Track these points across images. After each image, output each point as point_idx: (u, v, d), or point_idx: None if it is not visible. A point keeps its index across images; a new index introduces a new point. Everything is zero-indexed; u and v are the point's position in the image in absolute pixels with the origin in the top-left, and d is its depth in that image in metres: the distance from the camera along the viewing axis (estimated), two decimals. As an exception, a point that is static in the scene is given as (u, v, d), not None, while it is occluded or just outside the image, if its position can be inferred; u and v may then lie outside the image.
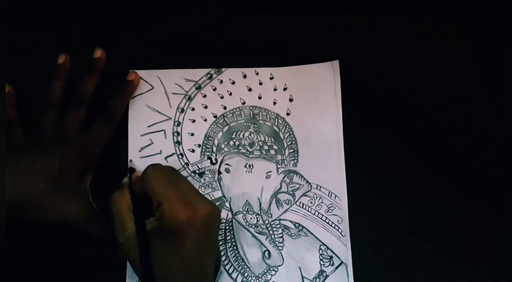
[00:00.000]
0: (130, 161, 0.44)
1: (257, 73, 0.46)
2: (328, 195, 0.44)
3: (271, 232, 0.43)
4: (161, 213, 0.35)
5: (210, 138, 0.45)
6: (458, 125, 0.45)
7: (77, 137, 0.41)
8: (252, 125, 0.45)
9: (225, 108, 0.46)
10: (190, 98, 0.46)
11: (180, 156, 0.44)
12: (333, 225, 0.43)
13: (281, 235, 0.43)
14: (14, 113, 0.43)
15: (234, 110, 0.46)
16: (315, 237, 0.43)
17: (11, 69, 0.41)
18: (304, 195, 0.44)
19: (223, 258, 0.43)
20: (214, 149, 0.45)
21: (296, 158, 0.45)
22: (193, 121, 0.45)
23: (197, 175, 0.44)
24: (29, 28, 0.47)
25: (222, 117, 0.45)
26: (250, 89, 0.46)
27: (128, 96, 0.45)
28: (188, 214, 0.35)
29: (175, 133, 0.45)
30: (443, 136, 0.45)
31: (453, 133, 0.45)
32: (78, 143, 0.41)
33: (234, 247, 0.43)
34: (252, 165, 0.44)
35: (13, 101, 0.44)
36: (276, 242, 0.43)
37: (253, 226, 0.43)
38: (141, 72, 0.45)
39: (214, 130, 0.45)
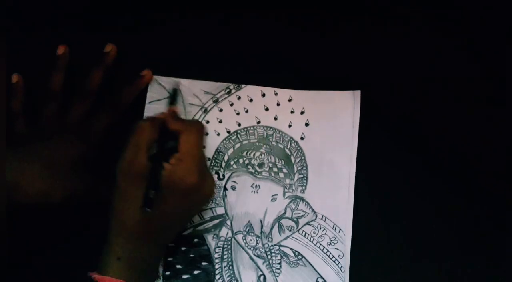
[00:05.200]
0: (177, 82, 0.44)
1: (276, 94, 0.45)
2: (333, 228, 0.42)
3: (269, 256, 0.42)
4: (177, 167, 0.36)
5: (220, 153, 0.45)
6: (479, 159, 0.43)
7: (78, 126, 0.42)
8: (264, 145, 0.45)
9: (239, 125, 0.45)
10: (206, 111, 0.45)
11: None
12: (333, 258, 0.42)
13: (279, 261, 0.42)
14: (19, 105, 0.43)
15: (248, 128, 0.45)
16: (314, 268, 0.42)
17: (13, 60, 0.41)
18: (308, 223, 0.43)
19: (217, 277, 0.42)
20: (223, 164, 0.44)
21: (304, 184, 0.44)
22: (206, 134, 0.45)
23: (202, 189, 0.44)
24: (34, 22, 0.47)
25: (235, 133, 0.45)
26: (267, 109, 0.45)
27: (136, 90, 0.44)
28: (196, 182, 0.36)
29: (187, 144, 0.45)
30: (462, 177, 0.43)
31: (473, 168, 0.43)
32: (78, 131, 0.42)
33: (230, 267, 0.42)
34: (259, 185, 0.44)
35: (21, 92, 0.44)
36: (273, 268, 0.42)
37: (252, 248, 0.42)
38: (161, 78, 0.46)
39: (225, 146, 0.45)
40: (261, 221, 0.43)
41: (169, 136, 0.37)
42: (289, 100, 0.45)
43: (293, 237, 0.42)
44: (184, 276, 0.42)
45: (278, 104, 0.45)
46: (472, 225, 0.42)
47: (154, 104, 0.45)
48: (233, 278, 0.42)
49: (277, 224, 0.43)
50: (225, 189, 0.44)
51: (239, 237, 0.43)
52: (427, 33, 0.45)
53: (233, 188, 0.44)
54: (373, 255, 0.42)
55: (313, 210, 0.43)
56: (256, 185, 0.44)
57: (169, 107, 0.41)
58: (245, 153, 0.44)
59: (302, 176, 0.44)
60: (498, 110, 0.44)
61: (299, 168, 0.44)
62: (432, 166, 0.43)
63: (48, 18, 0.47)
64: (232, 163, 0.44)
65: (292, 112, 0.45)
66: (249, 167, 0.44)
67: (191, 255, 0.42)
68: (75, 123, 0.42)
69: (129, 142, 0.37)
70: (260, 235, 0.43)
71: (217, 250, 0.42)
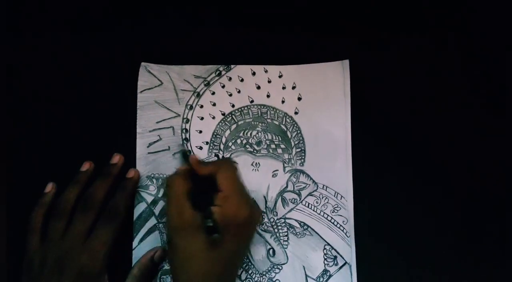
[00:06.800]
0: (181, 144, 0.44)
1: (266, 71, 0.46)
2: (334, 195, 0.44)
3: (276, 230, 0.44)
4: (226, 206, 0.36)
5: (218, 136, 0.45)
6: (466, 129, 0.44)
7: (81, 248, 0.39)
8: (260, 124, 0.45)
9: (233, 106, 0.45)
10: (199, 95, 0.46)
11: (188, 153, 0.45)
12: (338, 225, 0.43)
13: (286, 233, 0.43)
14: (39, 219, 0.41)
15: (242, 108, 0.45)
16: (320, 236, 0.43)
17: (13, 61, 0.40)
18: (310, 194, 0.44)
19: (228, 255, 0.43)
20: (222, 146, 0.45)
21: (303, 157, 0.45)
22: (202, 118, 0.45)
23: (204, 172, 0.44)
24: (33, 23, 0.47)
25: (230, 115, 0.45)
26: (258, 87, 0.46)
27: (129, 194, 0.42)
28: (248, 213, 0.37)
29: (184, 130, 0.45)
30: (452, 140, 0.44)
31: (461, 137, 0.44)
32: (81, 255, 0.39)
33: (239, 244, 0.43)
34: (258, 163, 0.45)
35: (47, 203, 0.42)
36: (281, 240, 0.43)
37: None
38: (151, 66, 0.46)
39: (222, 128, 0.45)
40: (264, 197, 0.44)
41: (201, 184, 0.38)
42: (280, 77, 0.46)
43: (297, 209, 0.44)
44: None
45: (269, 82, 0.46)
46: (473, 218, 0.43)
47: (146, 93, 0.45)
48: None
49: (280, 198, 0.44)
50: (226, 170, 0.45)
51: (245, 214, 0.44)
52: (426, 40, 0.46)
53: (234, 168, 0.45)
54: (376, 217, 0.43)
55: (313, 181, 0.44)
56: (256, 163, 0.45)
57: (188, 162, 0.39)
58: (241, 133, 0.45)
59: (299, 149, 0.45)
60: (496, 112, 0.45)
61: (296, 142, 0.45)
62: (423, 130, 0.44)
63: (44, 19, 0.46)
64: (230, 144, 0.45)
65: (283, 88, 0.46)
66: (247, 146, 0.45)
67: (201, 237, 0.43)
68: (76, 244, 0.39)
69: (168, 198, 0.37)
70: (265, 210, 0.44)
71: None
